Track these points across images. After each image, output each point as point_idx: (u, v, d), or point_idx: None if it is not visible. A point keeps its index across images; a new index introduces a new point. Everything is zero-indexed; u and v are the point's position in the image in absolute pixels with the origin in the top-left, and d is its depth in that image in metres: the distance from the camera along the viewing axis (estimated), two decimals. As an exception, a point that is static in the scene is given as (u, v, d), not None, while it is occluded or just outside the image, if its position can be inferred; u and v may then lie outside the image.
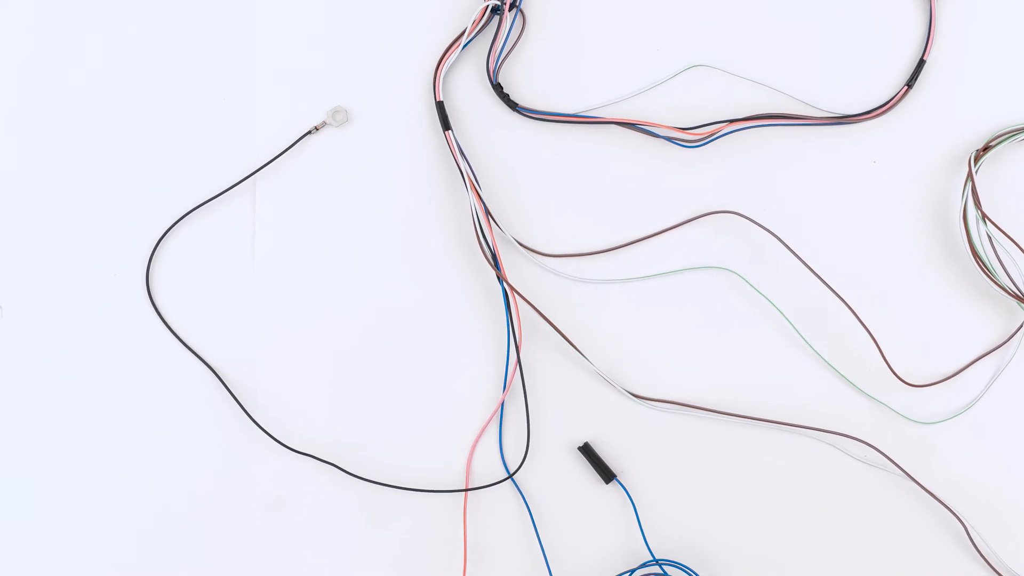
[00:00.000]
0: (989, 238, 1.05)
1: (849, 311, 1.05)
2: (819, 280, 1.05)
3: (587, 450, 1.07)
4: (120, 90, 1.10)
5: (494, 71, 1.09)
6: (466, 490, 1.07)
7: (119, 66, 1.10)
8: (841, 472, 1.06)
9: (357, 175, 1.09)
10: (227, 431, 1.08)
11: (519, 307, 1.07)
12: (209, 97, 1.10)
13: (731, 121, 1.07)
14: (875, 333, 1.05)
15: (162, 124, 1.10)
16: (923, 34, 1.08)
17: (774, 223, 1.07)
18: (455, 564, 1.07)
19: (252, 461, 1.08)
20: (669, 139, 1.08)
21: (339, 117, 1.09)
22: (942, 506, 1.05)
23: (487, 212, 1.07)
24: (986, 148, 1.06)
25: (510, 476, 1.07)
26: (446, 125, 1.07)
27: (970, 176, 1.05)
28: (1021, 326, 1.06)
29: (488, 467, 1.08)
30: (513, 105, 1.08)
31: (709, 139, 1.07)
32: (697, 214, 1.08)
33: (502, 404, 1.07)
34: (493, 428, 1.08)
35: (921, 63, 1.07)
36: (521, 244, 1.08)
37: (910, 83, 1.07)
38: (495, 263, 1.07)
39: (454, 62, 1.09)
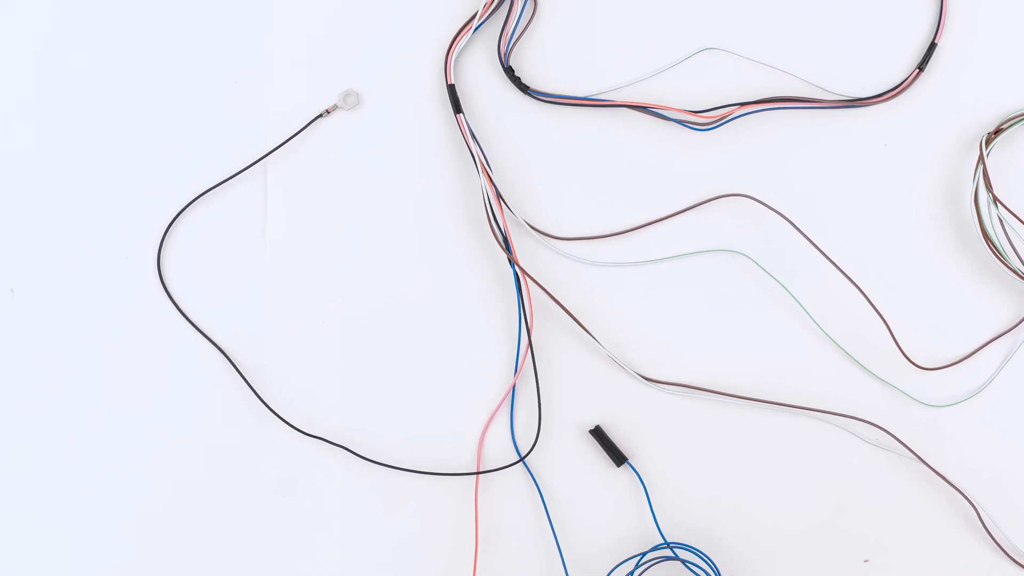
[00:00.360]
0: (1000, 221, 1.05)
1: (860, 294, 1.05)
2: (830, 263, 1.05)
3: (598, 433, 1.07)
4: (132, 74, 1.10)
5: (505, 54, 1.09)
6: (477, 473, 1.07)
7: (131, 51, 1.10)
8: (852, 455, 1.06)
9: (368, 158, 1.09)
10: (238, 414, 1.08)
11: (530, 290, 1.07)
12: (220, 80, 1.10)
13: (742, 104, 1.07)
14: (886, 316, 1.05)
15: (174, 107, 1.10)
16: (934, 17, 1.08)
17: (785, 206, 1.07)
18: (466, 547, 1.07)
19: (263, 444, 1.08)
20: (680, 122, 1.08)
21: (350, 100, 1.09)
22: (953, 489, 1.05)
23: (498, 195, 1.07)
24: (997, 131, 1.06)
25: (521, 459, 1.07)
26: (457, 108, 1.07)
27: (981, 159, 1.04)
28: (1032, 309, 1.06)
29: (499, 450, 1.08)
30: (524, 88, 1.08)
31: (720, 122, 1.07)
32: (708, 197, 1.08)
33: (513, 387, 1.08)
34: (504, 411, 1.08)
35: (932, 46, 1.07)
36: (532, 227, 1.08)
37: (921, 66, 1.07)
38: (506, 246, 1.07)
39: (465, 45, 1.09)
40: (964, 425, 1.06)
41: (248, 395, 1.08)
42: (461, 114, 1.07)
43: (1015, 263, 1.05)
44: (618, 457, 1.06)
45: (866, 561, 1.06)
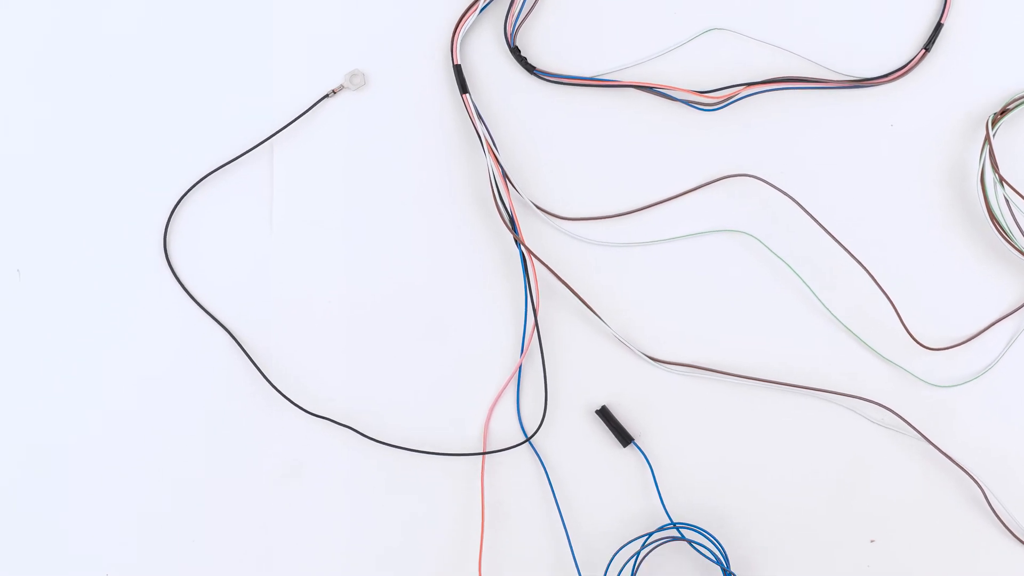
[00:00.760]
0: (1007, 201, 1.05)
1: (867, 274, 1.05)
2: (837, 243, 1.05)
3: (605, 413, 1.07)
4: (139, 55, 1.10)
5: (512, 34, 1.09)
6: (484, 453, 1.07)
7: (138, 31, 1.10)
8: (859, 436, 1.06)
9: (374, 138, 1.09)
10: (245, 395, 1.08)
11: (536, 270, 1.07)
12: (227, 61, 1.10)
13: (748, 84, 1.07)
14: (892, 296, 1.05)
15: (180, 88, 1.10)
16: (941, -3, 1.08)
17: (792, 186, 1.07)
18: (472, 527, 1.07)
19: (269, 425, 1.08)
20: (687, 102, 1.08)
21: (356, 80, 1.09)
22: (959, 469, 1.05)
23: (504, 175, 1.07)
24: (1004, 111, 1.06)
25: (528, 440, 1.07)
26: (463, 88, 1.07)
27: (988, 139, 1.04)
28: (1039, 289, 1.06)
29: (506, 430, 1.08)
30: (531, 68, 1.08)
31: (726, 102, 1.07)
32: (714, 177, 1.08)
33: (520, 367, 1.07)
34: (511, 391, 1.08)
35: (939, 27, 1.07)
36: (538, 207, 1.08)
37: (927, 46, 1.07)
38: (512, 226, 1.07)
39: (472, 25, 1.09)
40: (971, 405, 1.06)
41: (255, 376, 1.08)
42: (467, 94, 1.07)
43: (1021, 243, 1.05)
44: (624, 437, 1.06)
45: (872, 541, 1.06)
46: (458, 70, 1.08)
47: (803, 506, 1.06)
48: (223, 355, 1.08)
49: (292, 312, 1.08)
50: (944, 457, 1.05)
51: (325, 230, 1.09)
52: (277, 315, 1.08)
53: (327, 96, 1.09)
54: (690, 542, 1.05)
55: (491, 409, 1.08)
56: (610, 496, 1.07)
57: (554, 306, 1.08)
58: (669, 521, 1.06)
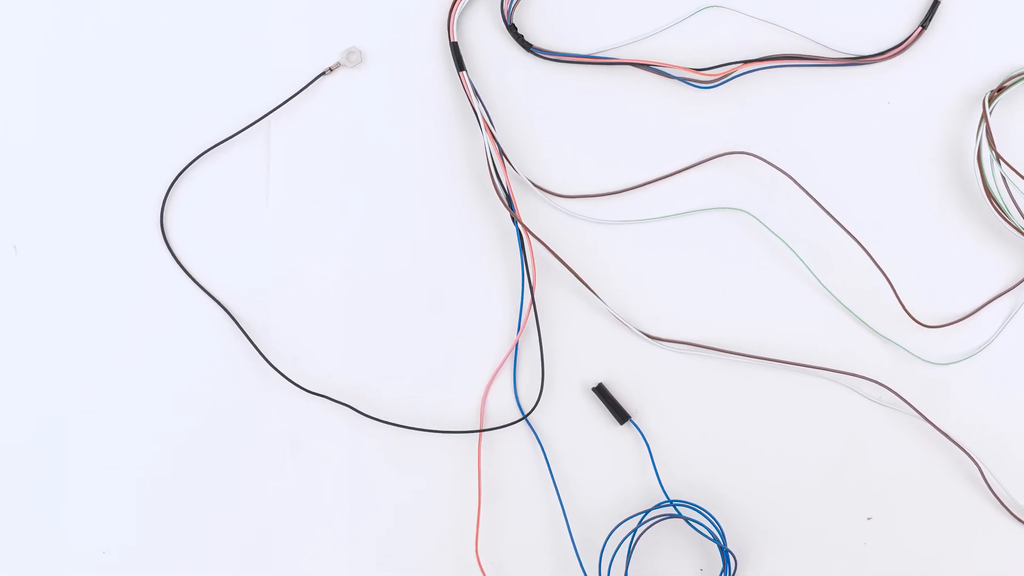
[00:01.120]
0: (1003, 178, 1.05)
1: (863, 252, 1.05)
2: (833, 221, 1.05)
3: (601, 391, 1.07)
4: (136, 32, 1.10)
5: (508, 12, 1.09)
6: (480, 431, 1.07)
7: (135, 8, 1.10)
8: (855, 413, 1.06)
9: (371, 116, 1.09)
10: (242, 373, 1.08)
11: (533, 248, 1.07)
12: (223, 38, 1.10)
13: (745, 62, 1.07)
14: (889, 273, 1.05)
15: (177, 65, 1.10)
16: (937, -25, 1.08)
17: (788, 164, 1.07)
18: (470, 504, 1.07)
19: (266, 402, 1.08)
20: (683, 80, 1.08)
21: (353, 58, 1.09)
22: (956, 447, 1.05)
23: (501, 153, 1.07)
24: (1000, 89, 1.06)
25: (524, 417, 1.07)
26: (460, 66, 1.07)
27: (984, 117, 1.05)
28: (1035, 267, 1.06)
29: (502, 408, 1.08)
30: (527, 46, 1.08)
31: (723, 80, 1.07)
32: (711, 155, 1.08)
33: (516, 345, 1.08)
34: (507, 369, 1.08)
35: (935, 4, 1.07)
36: (535, 185, 1.08)
37: (924, 24, 1.07)
38: (509, 204, 1.07)
39: (468, 3, 1.09)
40: (967, 383, 1.06)
41: (252, 354, 1.08)
42: (464, 72, 1.07)
43: (1018, 220, 1.05)
44: (621, 415, 1.06)
45: (869, 519, 1.06)
46: (455, 48, 1.08)
47: (800, 483, 1.06)
48: (220, 333, 1.08)
49: (289, 290, 1.08)
50: (941, 434, 1.05)
51: (322, 208, 1.09)
52: (274, 293, 1.08)
53: (324, 74, 1.09)
54: (687, 520, 1.05)
55: (488, 387, 1.08)
56: (607, 474, 1.07)
57: (551, 284, 1.08)
58: (666, 499, 1.06)
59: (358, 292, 1.08)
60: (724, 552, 1.04)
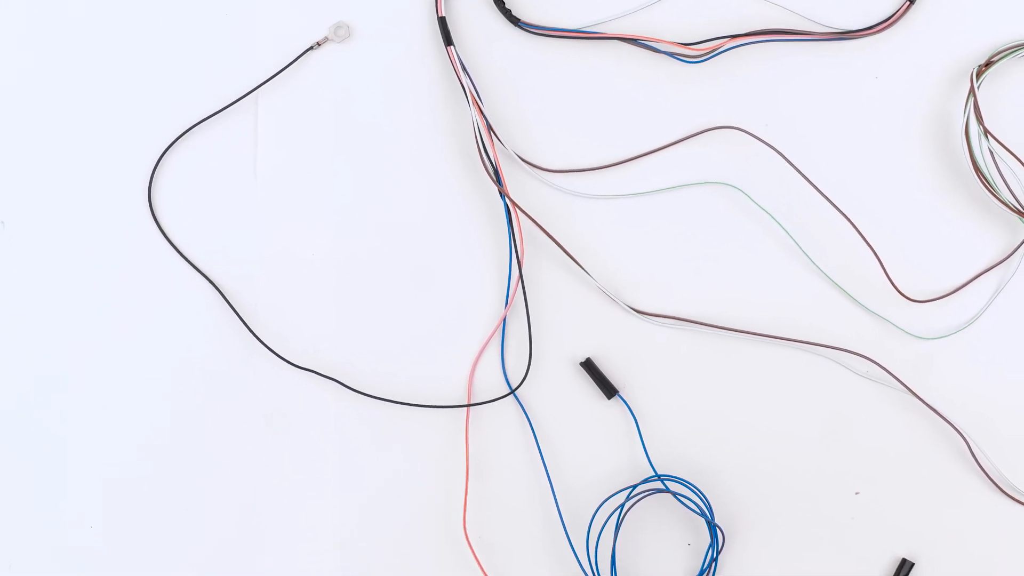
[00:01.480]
0: (991, 153, 1.05)
1: (851, 226, 1.05)
2: (821, 195, 1.05)
3: (589, 365, 1.07)
4: (123, 5, 1.10)
5: (496, -14, 1.09)
6: (468, 405, 1.07)
7: (121, -17, 1.11)
8: (843, 388, 1.06)
9: (359, 90, 1.09)
10: (229, 347, 1.08)
11: (521, 223, 1.07)
12: (211, 12, 1.10)
13: (733, 37, 1.07)
14: (877, 248, 1.05)
15: (164, 40, 1.10)
16: (925, -51, 1.08)
17: (776, 139, 1.07)
18: (457, 479, 1.07)
19: (254, 377, 1.08)
20: (671, 55, 1.08)
21: (341, 32, 1.09)
22: (943, 421, 1.05)
23: (489, 127, 1.07)
24: (988, 64, 1.06)
25: (512, 392, 1.07)
26: (448, 40, 1.07)
27: (972, 91, 1.04)
28: (1023, 242, 1.06)
29: (490, 383, 1.08)
30: (515, 20, 1.08)
31: (711, 55, 1.07)
32: (699, 129, 1.08)
33: (504, 320, 1.08)
34: (495, 344, 1.08)
35: (923, -22, 1.08)
36: (523, 159, 1.08)
37: (912, -1, 1.08)
38: (497, 178, 1.07)
39: (456, -23, 1.09)
40: (954, 357, 1.06)
41: (239, 328, 1.08)
42: (452, 46, 1.07)
43: (1005, 195, 1.05)
44: (609, 389, 1.06)
45: (857, 493, 1.06)
46: (443, 22, 1.08)
47: (788, 458, 1.06)
48: (208, 307, 1.08)
49: (276, 265, 1.08)
50: (928, 409, 1.05)
51: (309, 182, 1.09)
52: (261, 268, 1.08)
53: (311, 48, 1.09)
54: (674, 494, 1.05)
55: (475, 361, 1.08)
56: (594, 448, 1.07)
57: (539, 258, 1.08)
58: (654, 473, 1.06)
59: (346, 267, 1.08)
60: (712, 527, 1.05)
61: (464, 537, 1.06)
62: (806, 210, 1.07)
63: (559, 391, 1.07)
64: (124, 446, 1.08)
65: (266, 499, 1.08)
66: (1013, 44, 1.06)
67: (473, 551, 1.06)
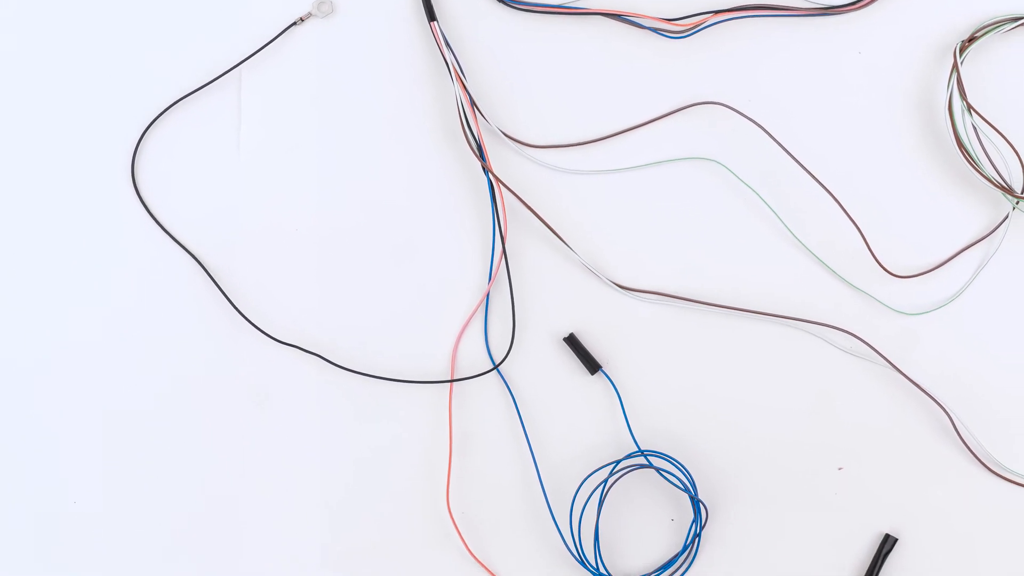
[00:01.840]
0: (974, 129, 1.05)
1: (834, 202, 1.05)
2: (804, 171, 1.05)
3: (572, 341, 1.07)
4: (105, -19, 1.10)
5: (479, -39, 1.09)
6: (451, 381, 1.07)
7: (104, -41, 1.11)
8: (827, 363, 1.06)
9: (343, 66, 1.09)
10: (213, 322, 1.08)
11: (504, 198, 1.07)
12: (194, -12, 1.10)
13: (716, 12, 1.07)
14: (860, 224, 1.05)
15: (148, 15, 1.09)
16: (909, -75, 1.08)
17: (759, 114, 1.07)
18: (440, 455, 1.07)
19: (238, 352, 1.08)
20: (654, 30, 1.08)
21: (324, 8, 1.09)
22: (927, 396, 1.05)
23: (472, 103, 1.07)
24: (971, 39, 1.06)
25: (495, 367, 1.07)
26: (431, 16, 1.07)
27: (955, 67, 1.05)
28: (1006, 217, 1.06)
29: (474, 358, 1.08)
30: (499, -4, 1.08)
31: (694, 30, 1.07)
32: (682, 105, 1.08)
33: (487, 295, 1.07)
34: (478, 319, 1.08)
35: (907, -46, 1.08)
36: (506, 135, 1.08)
37: (896, -26, 1.08)
38: (480, 154, 1.07)
39: (440, -47, 1.09)
40: (938, 333, 1.06)
41: (223, 304, 1.08)
42: (435, 22, 1.07)
43: (989, 171, 1.05)
44: (592, 365, 1.06)
45: (840, 469, 1.06)
46: (426, -3, 1.08)
47: (771, 433, 1.06)
48: (191, 283, 1.08)
49: (260, 240, 1.08)
50: (912, 384, 1.05)
51: (293, 158, 1.08)
52: (245, 243, 1.08)
53: (295, 24, 1.09)
54: (658, 470, 1.05)
55: (459, 337, 1.08)
56: (578, 424, 1.07)
57: (522, 234, 1.08)
58: (637, 449, 1.06)
59: (329, 242, 1.08)
60: (695, 502, 1.04)
61: (447, 512, 1.06)
62: (790, 186, 1.07)
63: (542, 367, 1.07)
64: (106, 421, 1.08)
65: (250, 474, 1.08)
66: (996, 19, 1.06)
67: (456, 526, 1.06)
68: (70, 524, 1.08)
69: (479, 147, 1.07)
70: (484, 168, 1.07)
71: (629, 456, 1.05)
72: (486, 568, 1.06)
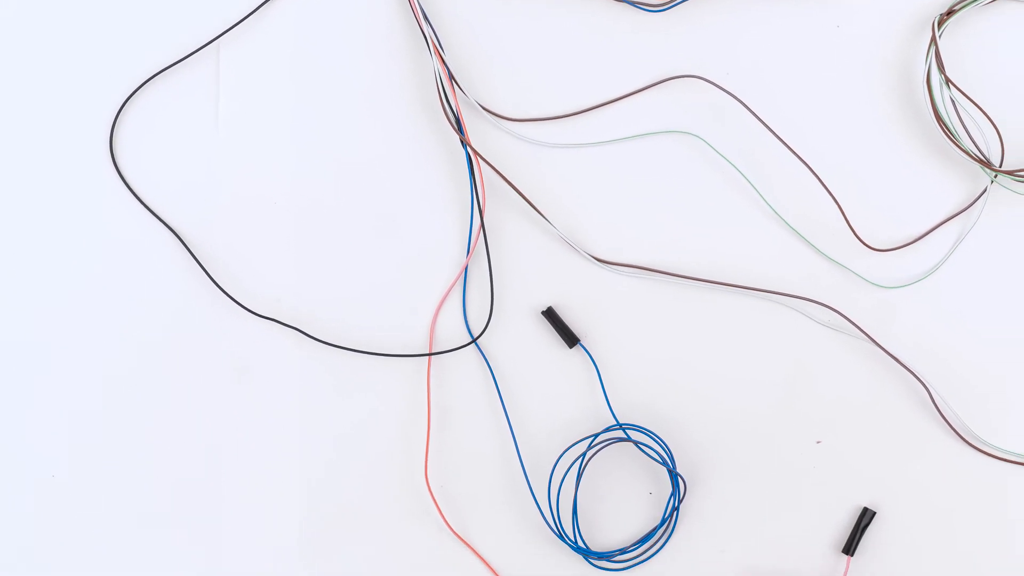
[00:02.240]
0: (953, 102, 1.05)
1: (812, 175, 1.05)
2: (783, 144, 1.05)
3: (551, 314, 1.07)
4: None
5: (458, -65, 1.09)
6: (429, 354, 1.07)
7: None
8: (805, 337, 1.06)
9: (321, 40, 1.09)
10: (190, 296, 1.08)
11: (483, 171, 1.07)
12: (173, -39, 1.10)
13: (695, -15, 1.07)
14: (839, 197, 1.06)
15: (126, -11, 1.10)
16: (887, -101, 1.08)
17: (738, 88, 1.07)
18: (419, 428, 1.07)
19: (215, 326, 1.08)
20: (633, 3, 1.08)
21: (303, -19, 1.09)
22: (905, 370, 1.05)
23: (451, 76, 1.07)
24: (950, 12, 1.06)
25: (474, 340, 1.07)
26: (410, -11, 1.08)
27: (934, 40, 1.05)
28: (984, 191, 1.06)
29: (452, 331, 1.08)
30: (477, -31, 1.08)
31: (673, 3, 1.07)
32: (661, 78, 1.08)
33: (466, 268, 1.07)
34: (457, 292, 1.08)
35: (885, -73, 1.08)
36: (485, 108, 1.08)
37: (874, -52, 1.08)
38: (459, 127, 1.07)
39: (418, -74, 1.09)
40: (916, 306, 1.06)
41: (201, 277, 1.08)
42: (414, -5, 1.07)
43: (967, 144, 1.05)
44: (570, 338, 1.06)
45: (819, 442, 1.06)
46: (404, -29, 1.08)
47: (749, 407, 1.06)
48: (170, 256, 1.08)
49: (238, 214, 1.08)
50: (890, 358, 1.05)
51: (271, 131, 1.08)
52: (223, 216, 1.08)
53: (273, -3, 1.09)
54: (636, 443, 1.05)
55: (437, 310, 1.08)
56: (556, 397, 1.07)
57: (500, 207, 1.08)
58: (615, 422, 1.06)
59: (307, 216, 1.08)
60: (673, 475, 1.05)
61: (426, 486, 1.06)
62: (768, 159, 1.07)
63: (521, 340, 1.07)
64: (85, 394, 1.08)
65: (228, 448, 1.07)
66: (975, -7, 1.07)
67: (435, 499, 1.06)
68: (49, 496, 1.08)
69: (457, 120, 1.07)
70: (462, 141, 1.07)
71: (607, 429, 1.05)
72: (464, 541, 1.06)
